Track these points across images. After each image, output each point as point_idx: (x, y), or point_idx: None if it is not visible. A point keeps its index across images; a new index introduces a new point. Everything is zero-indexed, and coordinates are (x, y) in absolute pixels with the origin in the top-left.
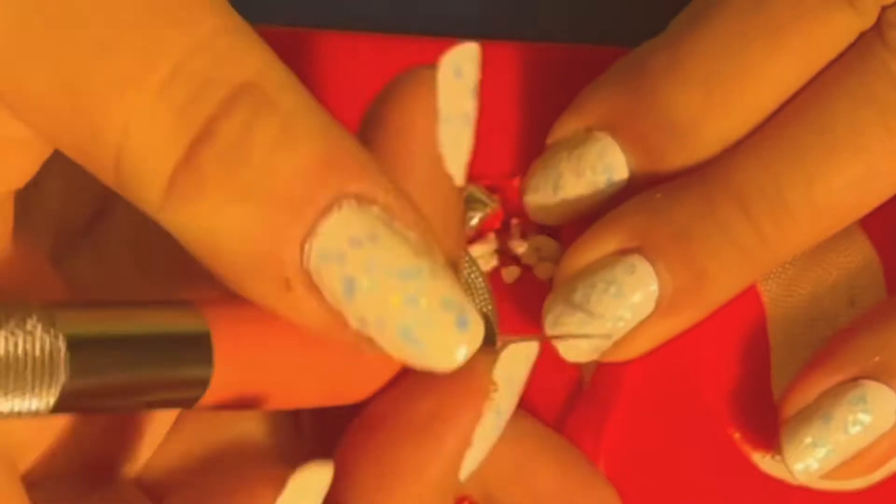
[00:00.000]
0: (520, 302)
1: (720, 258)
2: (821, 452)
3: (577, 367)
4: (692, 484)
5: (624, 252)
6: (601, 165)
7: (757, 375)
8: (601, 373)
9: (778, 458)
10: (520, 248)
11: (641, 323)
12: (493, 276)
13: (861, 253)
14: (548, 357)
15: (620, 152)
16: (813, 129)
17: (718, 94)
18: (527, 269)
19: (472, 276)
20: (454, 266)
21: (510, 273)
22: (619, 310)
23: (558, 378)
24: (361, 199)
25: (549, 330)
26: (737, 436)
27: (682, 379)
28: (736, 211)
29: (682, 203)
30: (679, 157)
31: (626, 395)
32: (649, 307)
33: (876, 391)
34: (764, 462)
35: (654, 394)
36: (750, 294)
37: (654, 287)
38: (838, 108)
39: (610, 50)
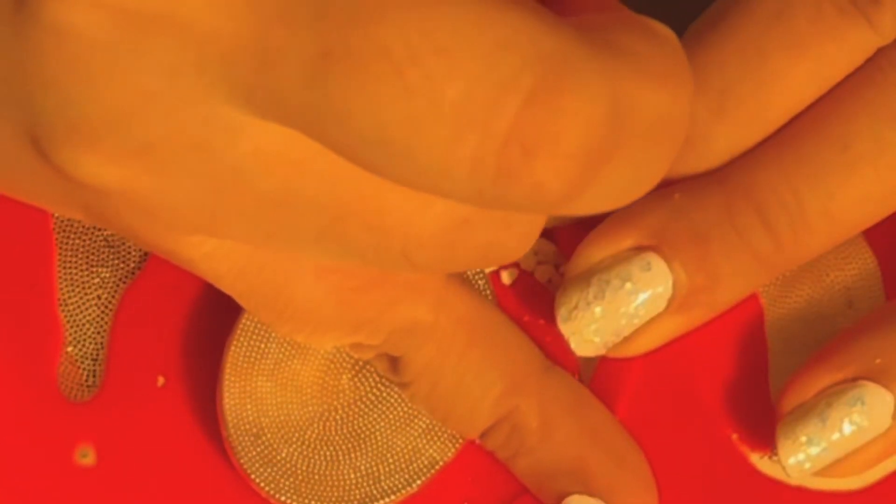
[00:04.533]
0: (519, 303)
1: (735, 262)
2: (815, 450)
3: (576, 368)
4: (691, 484)
5: (639, 249)
6: None
7: (755, 376)
8: (600, 374)
9: (776, 458)
10: None
11: (652, 320)
12: (493, 278)
13: (858, 254)
14: (547, 357)
15: None
16: (834, 144)
17: (732, 107)
18: (524, 272)
19: (475, 277)
20: None
21: (510, 275)
22: (633, 306)
23: None
24: None
25: (562, 323)
26: (735, 436)
27: (680, 380)
28: (754, 218)
29: (702, 206)
30: (687, 166)
31: (624, 396)
32: (661, 305)
33: (874, 393)
34: (762, 462)
35: (653, 395)
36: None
37: (668, 286)
38: (860, 125)
39: None
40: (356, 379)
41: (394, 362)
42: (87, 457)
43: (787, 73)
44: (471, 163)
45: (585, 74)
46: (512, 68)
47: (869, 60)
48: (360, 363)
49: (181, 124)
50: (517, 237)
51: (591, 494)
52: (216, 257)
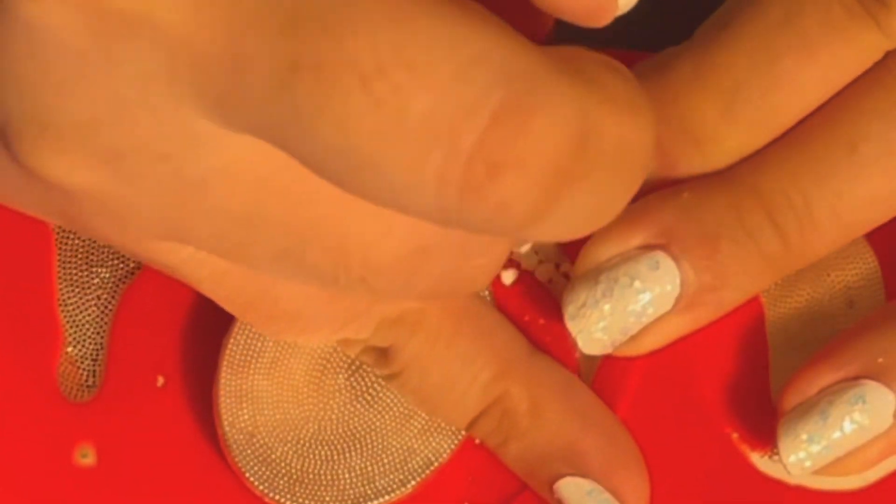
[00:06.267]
0: (520, 303)
1: (743, 263)
2: (815, 448)
3: (576, 369)
4: (691, 484)
5: (648, 248)
6: None
7: (755, 376)
8: (602, 374)
9: (776, 457)
10: (522, 250)
11: (659, 319)
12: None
13: (859, 254)
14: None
15: None
16: (842, 145)
17: (741, 108)
18: (525, 272)
19: None
20: None
21: (508, 275)
22: (641, 305)
23: None
24: None
25: (569, 321)
26: (735, 436)
27: (681, 380)
28: (763, 219)
29: (711, 206)
30: (694, 166)
31: (625, 396)
32: (669, 304)
33: (876, 392)
34: (762, 462)
35: (654, 394)
36: None
37: (675, 284)
38: (868, 127)
39: (624, 53)
40: (352, 378)
41: (382, 354)
42: (87, 457)
43: (797, 75)
44: (436, 178)
45: (556, 97)
46: (481, 85)
47: (878, 63)
48: (357, 362)
49: (149, 135)
50: (477, 268)
51: (583, 476)
52: (194, 262)
